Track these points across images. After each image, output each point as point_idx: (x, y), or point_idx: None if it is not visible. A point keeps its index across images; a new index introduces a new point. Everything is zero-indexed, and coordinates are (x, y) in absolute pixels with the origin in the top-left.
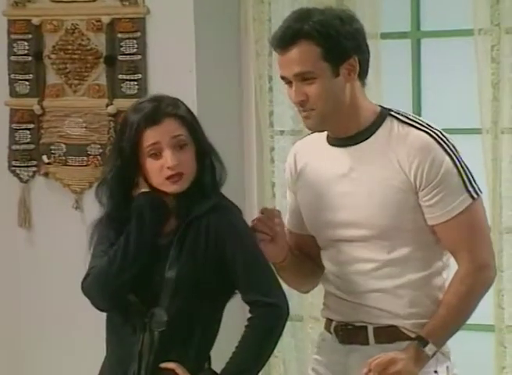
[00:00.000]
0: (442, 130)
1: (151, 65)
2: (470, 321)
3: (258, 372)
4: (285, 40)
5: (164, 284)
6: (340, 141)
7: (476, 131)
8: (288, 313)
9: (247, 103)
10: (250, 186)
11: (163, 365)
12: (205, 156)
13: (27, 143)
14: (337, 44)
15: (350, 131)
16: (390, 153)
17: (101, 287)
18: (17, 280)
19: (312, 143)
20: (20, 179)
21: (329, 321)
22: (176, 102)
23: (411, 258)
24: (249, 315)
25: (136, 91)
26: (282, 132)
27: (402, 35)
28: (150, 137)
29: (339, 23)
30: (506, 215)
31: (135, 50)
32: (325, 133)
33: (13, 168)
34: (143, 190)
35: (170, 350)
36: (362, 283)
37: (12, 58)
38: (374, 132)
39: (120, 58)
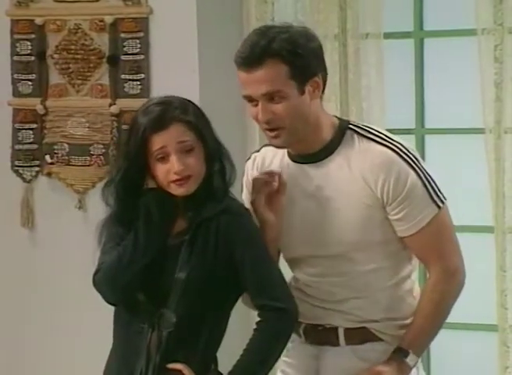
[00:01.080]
0: (445, 129)
1: (154, 65)
2: (473, 321)
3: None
4: (252, 58)
5: (173, 285)
6: (304, 158)
7: (479, 131)
8: (297, 317)
9: None
10: None
11: (170, 365)
12: (214, 158)
13: (30, 143)
14: (304, 63)
15: (313, 148)
16: (354, 170)
17: (112, 281)
18: (20, 280)
19: (274, 157)
20: (23, 179)
21: (298, 323)
22: (184, 106)
23: (383, 267)
24: (252, 316)
25: (139, 91)
26: None
27: (405, 35)
28: (156, 142)
29: (304, 41)
30: (509, 215)
31: (138, 50)
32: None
33: (16, 168)
34: (151, 186)
35: (177, 350)
36: (336, 293)
37: (15, 58)
38: (335, 148)
39: (123, 58)
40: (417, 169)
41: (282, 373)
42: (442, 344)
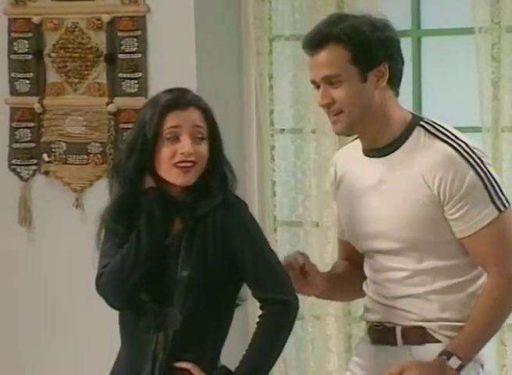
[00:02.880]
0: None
1: (152, 63)
2: None
3: (271, 368)
4: (314, 43)
5: (177, 284)
6: (372, 151)
7: (476, 130)
8: (298, 308)
9: (247, 101)
10: (251, 184)
11: (178, 364)
12: (218, 157)
13: (28, 141)
14: (366, 50)
15: (381, 142)
16: (415, 166)
17: (116, 286)
18: (17, 278)
19: (351, 152)
20: (21, 177)
21: (366, 323)
22: (200, 98)
23: (441, 267)
24: (249, 311)
25: (136, 90)
26: (282, 130)
27: (402, 33)
28: (172, 119)
29: (370, 29)
30: None
31: (135, 48)
32: (359, 143)
33: (14, 166)
34: (150, 185)
35: (184, 349)
36: (394, 290)
37: (13, 56)
38: (402, 143)
39: (120, 56)
40: (478, 169)
41: (350, 373)
42: None
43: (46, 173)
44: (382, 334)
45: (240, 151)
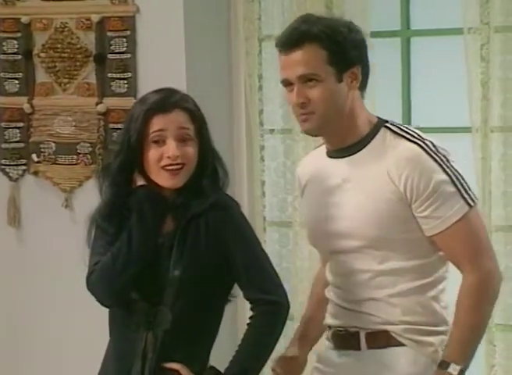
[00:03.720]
0: (432, 128)
1: (141, 63)
2: None
3: (261, 369)
4: (291, 41)
5: (168, 283)
6: (337, 152)
7: (466, 130)
8: (289, 309)
9: (237, 102)
10: (240, 184)
11: (167, 365)
12: (207, 156)
13: (17, 141)
14: (343, 50)
15: (346, 142)
16: (380, 164)
17: (107, 284)
18: (7, 278)
19: (315, 159)
20: (10, 177)
21: (328, 328)
22: (187, 98)
23: (402, 269)
24: (238, 311)
25: (125, 90)
26: (272, 131)
27: (392, 34)
28: (157, 123)
29: (346, 31)
30: (495, 214)
31: (125, 48)
32: (322, 148)
33: (3, 166)
34: (140, 183)
35: (174, 349)
36: (357, 293)
37: (2, 56)
38: (368, 143)
39: (110, 56)
40: (444, 166)
41: None
42: None
43: (35, 173)
44: (345, 339)
45: (229, 151)
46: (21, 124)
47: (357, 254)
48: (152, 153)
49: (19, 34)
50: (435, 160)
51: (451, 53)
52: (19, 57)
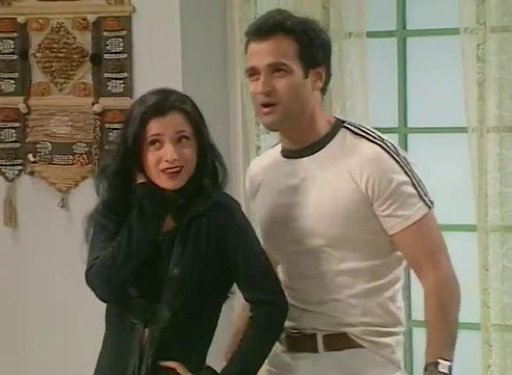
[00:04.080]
0: (428, 128)
1: (137, 63)
2: None
3: (259, 369)
4: (265, 29)
5: (167, 281)
6: (294, 152)
7: (462, 130)
8: (287, 309)
9: (233, 102)
10: (237, 185)
11: (164, 363)
12: (207, 156)
13: (13, 141)
14: (311, 48)
15: (305, 141)
16: (342, 164)
17: (107, 278)
18: (3, 279)
19: (267, 158)
20: (6, 177)
21: None
22: (184, 98)
23: (363, 268)
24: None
25: (122, 90)
26: (268, 131)
27: (388, 34)
28: (153, 127)
29: (317, 29)
30: (491, 213)
31: (121, 48)
32: (279, 148)
33: None
34: (141, 180)
35: (171, 347)
36: (317, 294)
37: None
38: (327, 142)
39: (106, 56)
40: (405, 168)
41: None
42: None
43: (31, 173)
44: (301, 342)
45: (225, 151)
46: (17, 124)
47: (318, 254)
48: (150, 157)
49: (15, 34)
50: (397, 161)
51: (447, 53)
52: (15, 57)
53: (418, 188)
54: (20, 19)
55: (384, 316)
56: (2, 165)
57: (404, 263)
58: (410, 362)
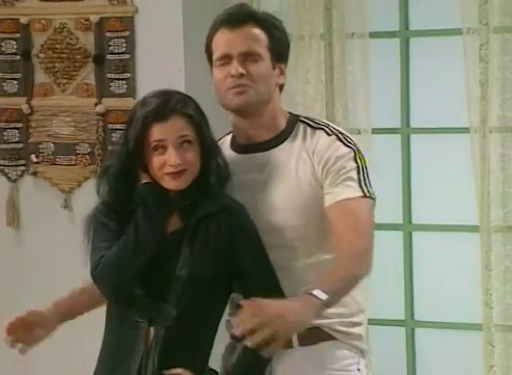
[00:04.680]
0: (430, 129)
1: (140, 64)
2: (458, 320)
3: (264, 370)
4: (239, 17)
5: (173, 282)
6: (254, 146)
7: (464, 130)
8: None
9: None
10: None
11: (169, 372)
12: (211, 156)
13: (16, 142)
14: (279, 42)
15: (266, 136)
16: (303, 156)
17: (114, 275)
18: (6, 279)
19: None
20: (9, 178)
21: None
22: (186, 100)
23: (325, 261)
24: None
25: (124, 90)
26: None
27: (390, 34)
28: (156, 132)
29: (283, 29)
30: (494, 214)
31: (124, 49)
32: (227, 142)
33: (1, 167)
34: (145, 180)
35: (176, 347)
36: (288, 287)
37: (1, 57)
38: (287, 137)
39: (109, 57)
40: (357, 157)
41: None
42: (428, 343)
43: (34, 173)
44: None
45: None
46: (20, 125)
47: (288, 248)
48: (155, 161)
49: (17, 35)
50: (352, 150)
51: (450, 53)
52: (18, 57)
53: (361, 177)
54: (23, 20)
55: (353, 305)
56: (5, 165)
57: None
58: (412, 362)
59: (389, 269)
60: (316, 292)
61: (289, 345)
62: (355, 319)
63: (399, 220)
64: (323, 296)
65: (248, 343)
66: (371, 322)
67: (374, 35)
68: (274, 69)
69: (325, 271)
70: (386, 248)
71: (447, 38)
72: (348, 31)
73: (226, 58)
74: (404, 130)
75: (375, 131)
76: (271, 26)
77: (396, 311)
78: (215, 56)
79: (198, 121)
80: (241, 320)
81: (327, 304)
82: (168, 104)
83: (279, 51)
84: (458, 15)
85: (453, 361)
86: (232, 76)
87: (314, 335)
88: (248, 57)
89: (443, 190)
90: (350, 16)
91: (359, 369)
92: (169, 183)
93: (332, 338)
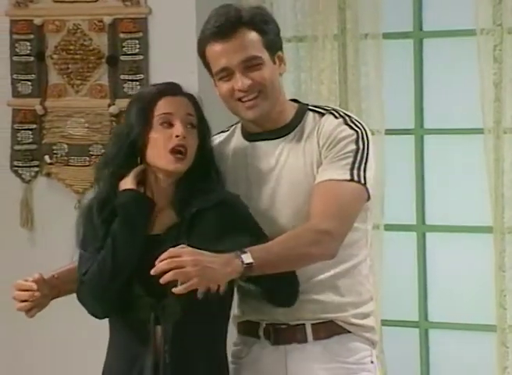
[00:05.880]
0: (444, 130)
1: (153, 65)
2: (472, 321)
3: None
4: (227, 27)
5: None
6: (266, 134)
7: (478, 131)
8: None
9: None
10: None
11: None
12: (206, 150)
13: (29, 143)
14: (272, 34)
15: (276, 125)
16: (312, 139)
17: (97, 297)
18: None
19: (226, 142)
20: (22, 179)
21: (255, 324)
22: (190, 92)
23: (341, 246)
24: None
25: None
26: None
27: (404, 35)
28: (165, 105)
29: (270, 16)
30: (508, 215)
31: (137, 50)
32: (238, 130)
33: (15, 168)
34: (127, 187)
35: (186, 341)
36: (305, 280)
37: (15, 58)
38: (297, 125)
39: (122, 58)
40: (360, 139)
41: None
42: (441, 344)
43: (48, 174)
44: (288, 333)
45: None
46: (34, 126)
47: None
48: (160, 136)
49: (31, 36)
50: (356, 131)
51: (464, 54)
52: (32, 59)
53: (356, 160)
54: (37, 21)
55: (365, 293)
56: (19, 166)
57: (369, 238)
58: (426, 364)
59: (403, 270)
60: (244, 256)
61: (303, 339)
62: (367, 309)
63: (412, 221)
64: (248, 260)
65: (162, 280)
66: (385, 323)
67: (387, 36)
68: (274, 63)
69: (275, 240)
70: (400, 249)
71: (461, 39)
72: (362, 32)
73: (227, 71)
74: (418, 130)
75: (389, 132)
76: (260, 23)
77: (409, 312)
78: (214, 70)
79: (200, 109)
80: (159, 260)
81: (250, 269)
82: (176, 84)
83: (274, 42)
84: (472, 15)
85: (467, 362)
86: (239, 90)
87: (328, 329)
88: (248, 63)
89: (457, 191)
90: (363, 16)
91: (372, 362)
92: (171, 164)
93: (345, 331)
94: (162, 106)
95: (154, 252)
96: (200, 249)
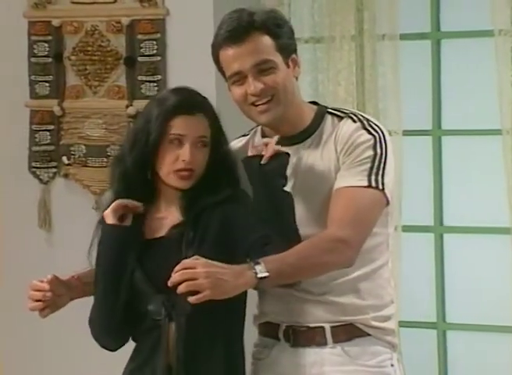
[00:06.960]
0: (462, 130)
1: (171, 66)
2: (489, 322)
3: None
4: (239, 31)
5: None
6: (285, 140)
7: (496, 132)
8: None
9: None
10: None
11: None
12: (221, 161)
13: (47, 144)
14: (285, 36)
15: (294, 130)
16: (330, 144)
17: (104, 333)
18: None
19: (247, 147)
20: (40, 180)
21: (275, 326)
22: (207, 101)
23: (362, 251)
24: None
25: (155, 93)
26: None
27: (422, 36)
28: (180, 125)
29: (283, 19)
30: None
31: (155, 51)
32: (258, 134)
33: (33, 169)
34: (110, 222)
35: (200, 336)
36: (319, 281)
37: (33, 59)
38: (316, 129)
39: (140, 59)
40: (378, 144)
41: None
42: (459, 345)
43: (66, 175)
44: (308, 336)
45: None
46: (51, 127)
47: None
48: (168, 155)
49: (49, 37)
50: (373, 136)
51: (481, 55)
52: (50, 60)
53: (374, 166)
54: (55, 23)
55: (386, 296)
56: (37, 167)
57: (390, 242)
58: (444, 365)
59: (421, 271)
60: (258, 267)
61: (322, 342)
62: (388, 312)
63: (430, 222)
64: (262, 274)
65: (178, 292)
66: (403, 324)
67: (405, 37)
68: (288, 66)
69: (290, 250)
70: (417, 250)
71: (479, 40)
72: (379, 33)
73: (240, 75)
74: (435, 131)
75: (406, 133)
76: (272, 27)
77: (427, 313)
78: (227, 74)
79: (217, 124)
80: (174, 272)
81: (264, 282)
82: (195, 99)
83: (287, 45)
84: (489, 16)
85: (485, 363)
86: (252, 95)
87: (348, 331)
88: (261, 67)
89: (475, 192)
90: (381, 17)
91: (392, 365)
92: (176, 182)
93: (365, 334)
94: (176, 125)
95: (162, 253)
96: (207, 243)
